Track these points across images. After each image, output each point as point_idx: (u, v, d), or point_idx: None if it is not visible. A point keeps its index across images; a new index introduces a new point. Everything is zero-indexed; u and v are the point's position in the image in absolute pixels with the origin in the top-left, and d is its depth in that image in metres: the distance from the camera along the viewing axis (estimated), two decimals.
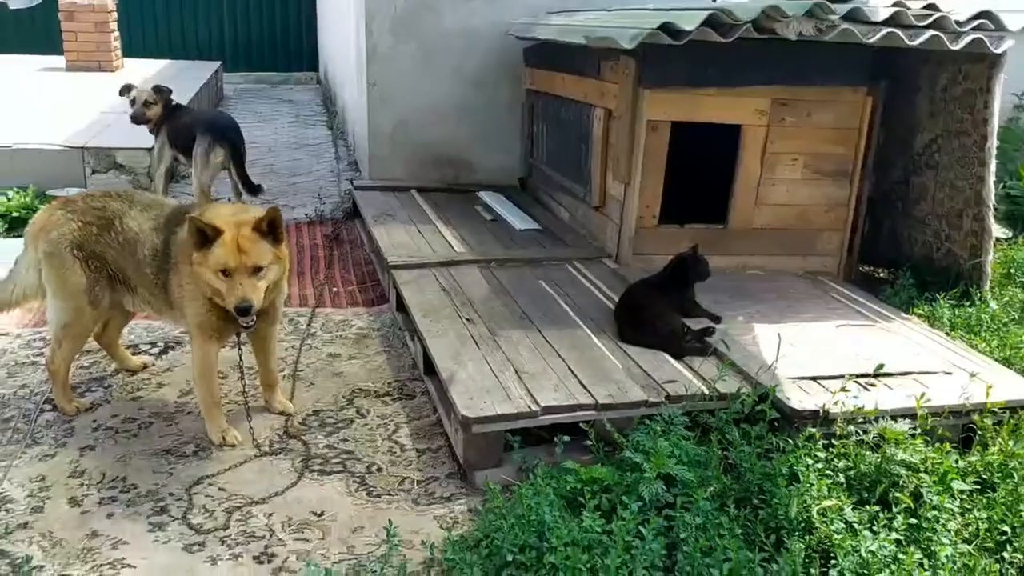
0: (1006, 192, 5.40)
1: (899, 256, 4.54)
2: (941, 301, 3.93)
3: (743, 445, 2.74)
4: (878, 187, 4.55)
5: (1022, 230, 5.12)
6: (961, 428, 3.01)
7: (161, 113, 5.27)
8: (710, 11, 3.48)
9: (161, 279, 3.00)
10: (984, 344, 3.63)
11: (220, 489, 2.77)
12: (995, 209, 5.23)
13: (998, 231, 5.08)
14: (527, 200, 5.57)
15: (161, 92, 5.29)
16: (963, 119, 4.04)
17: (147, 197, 3.27)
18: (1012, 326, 3.83)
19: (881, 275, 4.70)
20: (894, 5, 3.68)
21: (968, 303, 3.98)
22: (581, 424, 2.84)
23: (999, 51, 3.74)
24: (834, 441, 2.79)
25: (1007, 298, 4.18)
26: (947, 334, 3.70)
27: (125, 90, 5.40)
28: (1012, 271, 4.53)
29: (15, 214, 5.25)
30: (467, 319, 3.57)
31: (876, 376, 3.17)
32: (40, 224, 3.11)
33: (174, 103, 5.36)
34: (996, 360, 3.47)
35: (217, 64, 11.08)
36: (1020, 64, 5.86)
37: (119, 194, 3.19)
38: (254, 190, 5.30)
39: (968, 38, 3.67)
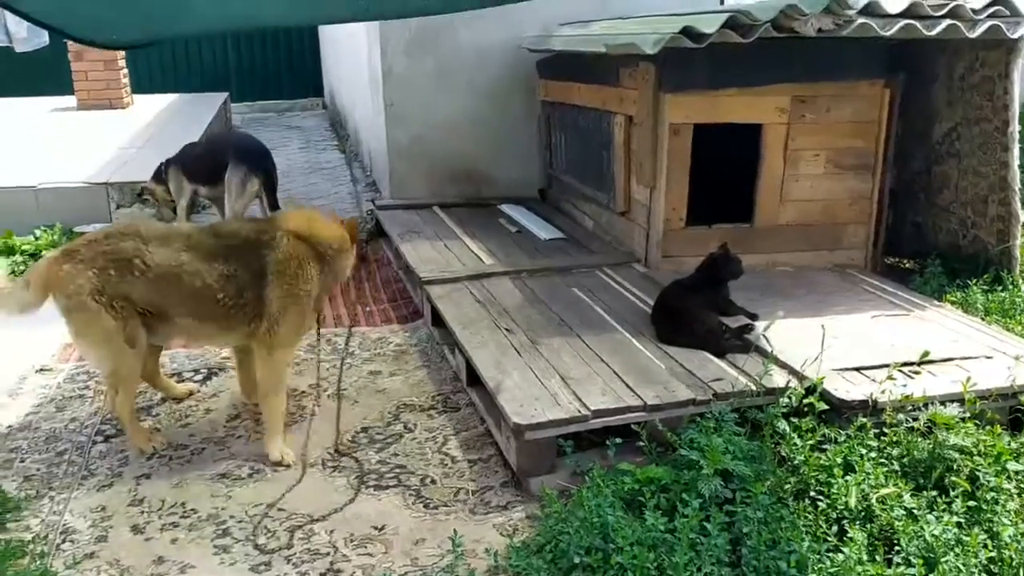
0: None
1: (925, 246, 4.56)
2: (974, 287, 3.94)
3: (795, 438, 2.76)
4: (899, 178, 4.58)
5: None
6: (1009, 410, 3.03)
7: (164, 183, 5.50)
8: (730, 13, 3.53)
9: (246, 299, 3.04)
10: (1020, 327, 3.65)
11: (280, 509, 2.80)
12: (1021, 193, 5.29)
13: None
14: (549, 210, 5.61)
15: (156, 176, 5.57)
16: (983, 106, 4.07)
17: (156, 228, 3.23)
18: None
19: (908, 266, 4.72)
20: None
21: (1000, 288, 3.99)
22: (632, 426, 2.87)
23: (1016, 36, 3.77)
24: (885, 430, 2.82)
25: None
26: (982, 319, 3.72)
27: (143, 193, 5.75)
28: None
29: (44, 252, 5.31)
30: (506, 329, 3.60)
31: (919, 364, 3.18)
32: (50, 281, 3.00)
33: (168, 158, 5.55)
34: None
35: (224, 95, 11.17)
36: None
37: (122, 232, 3.09)
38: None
39: (985, 25, 3.71)
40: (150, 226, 3.28)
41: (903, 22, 3.63)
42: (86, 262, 2.98)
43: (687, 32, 3.54)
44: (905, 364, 3.16)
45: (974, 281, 3.99)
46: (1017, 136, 3.92)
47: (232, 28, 3.17)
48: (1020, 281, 4.05)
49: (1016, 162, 3.96)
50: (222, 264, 3.04)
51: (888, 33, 3.64)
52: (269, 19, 3.82)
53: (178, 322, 3.12)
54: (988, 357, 3.28)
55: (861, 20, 3.61)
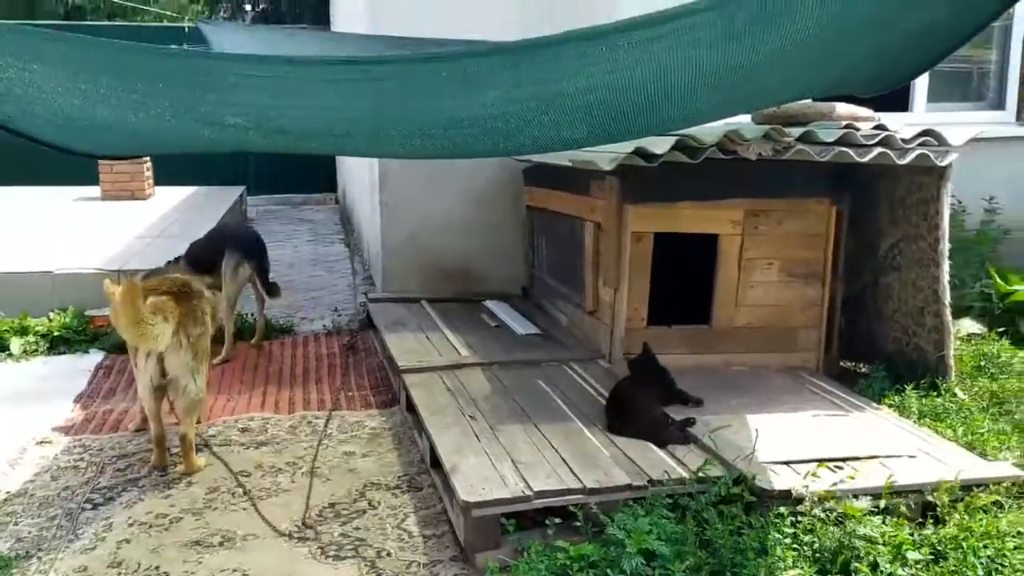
0: (980, 290, 5.74)
1: (875, 351, 4.86)
2: (908, 392, 4.22)
3: (717, 523, 3.02)
4: (851, 287, 4.92)
5: (995, 326, 5.43)
6: (922, 506, 3.27)
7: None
8: (678, 136, 3.94)
9: None
10: (950, 431, 3.91)
11: (244, 575, 3.06)
12: (970, 307, 5.61)
13: (972, 326, 5.43)
14: (530, 307, 5.96)
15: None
16: (919, 224, 4.43)
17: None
18: (978, 414, 4.11)
19: (863, 369, 5.00)
20: (845, 127, 4.14)
21: (935, 393, 4.27)
22: (570, 507, 3.14)
23: (943, 164, 4.17)
24: (800, 518, 3.07)
25: (976, 388, 4.47)
26: (915, 422, 3.99)
27: None
28: (983, 364, 4.82)
29: (56, 333, 5.70)
30: (470, 416, 3.90)
31: (845, 460, 3.45)
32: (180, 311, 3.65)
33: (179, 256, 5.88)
34: (961, 445, 3.74)
35: (241, 189, 11.77)
36: (990, 172, 6.37)
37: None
38: (273, 292, 5.72)
39: (913, 154, 4.10)
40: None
41: (837, 149, 4.03)
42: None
43: (639, 152, 3.94)
44: (830, 459, 3.43)
45: (909, 387, 4.27)
46: (947, 253, 4.26)
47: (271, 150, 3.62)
48: (956, 388, 4.33)
49: (946, 277, 4.29)
50: None
51: (824, 159, 4.04)
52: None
53: None
54: (912, 456, 3.54)
55: (799, 146, 4.02)
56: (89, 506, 3.56)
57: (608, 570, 2.78)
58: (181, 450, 3.86)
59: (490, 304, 5.98)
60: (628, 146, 3.96)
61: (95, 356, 5.57)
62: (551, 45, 2.41)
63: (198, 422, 4.04)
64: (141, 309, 3.45)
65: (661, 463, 3.42)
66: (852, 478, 3.24)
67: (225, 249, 5.37)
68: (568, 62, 2.51)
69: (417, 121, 2.98)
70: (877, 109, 4.70)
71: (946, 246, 4.26)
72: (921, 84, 6.62)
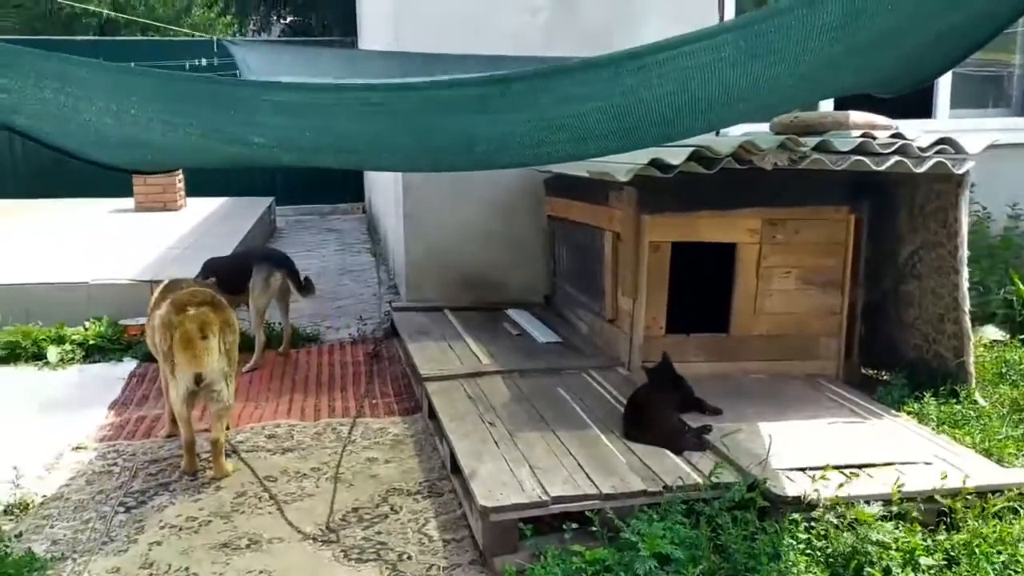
0: (1004, 297, 5.73)
1: (896, 358, 4.86)
2: (928, 399, 4.24)
3: (732, 528, 3.07)
4: (872, 294, 4.93)
5: (1018, 332, 5.41)
6: (936, 513, 3.29)
7: None
8: (694, 147, 4.00)
9: None
10: (968, 438, 3.92)
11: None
12: (994, 314, 5.59)
13: (995, 333, 5.42)
14: (551, 316, 6.03)
15: None
16: (938, 232, 4.45)
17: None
18: (997, 421, 4.11)
19: (884, 377, 5.00)
20: (862, 136, 4.17)
21: (955, 401, 4.28)
22: (587, 512, 3.20)
23: (961, 172, 4.18)
24: (814, 524, 3.11)
25: (997, 396, 4.47)
26: (933, 429, 4.00)
27: None
28: (1005, 370, 4.82)
29: (92, 342, 5.86)
30: (489, 423, 3.98)
31: (860, 466, 3.48)
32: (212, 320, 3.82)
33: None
34: (978, 452, 3.76)
35: (270, 200, 11.96)
36: (1016, 178, 6.35)
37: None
38: (307, 290, 5.85)
39: (930, 162, 4.12)
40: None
41: (853, 158, 4.06)
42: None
43: (655, 163, 4.00)
44: (845, 466, 3.46)
45: (928, 394, 4.28)
46: (966, 260, 4.28)
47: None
48: (976, 395, 4.33)
49: (966, 284, 4.30)
50: None
51: (840, 167, 4.07)
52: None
53: None
54: (928, 463, 3.56)
55: (815, 156, 4.06)
56: (122, 509, 3.68)
57: (622, 574, 2.85)
58: (212, 455, 3.98)
59: (512, 313, 6.06)
60: (644, 157, 4.03)
61: (128, 364, 5.73)
62: (584, 68, 2.48)
63: (227, 428, 4.16)
64: (199, 342, 3.75)
65: (676, 469, 3.48)
66: (857, 477, 3.27)
67: (252, 265, 5.49)
68: (599, 85, 2.58)
69: (435, 140, 3.07)
70: (899, 116, 4.73)
71: (965, 253, 4.28)
72: (944, 90, 6.60)
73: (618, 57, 2.40)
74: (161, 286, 4.43)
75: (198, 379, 3.82)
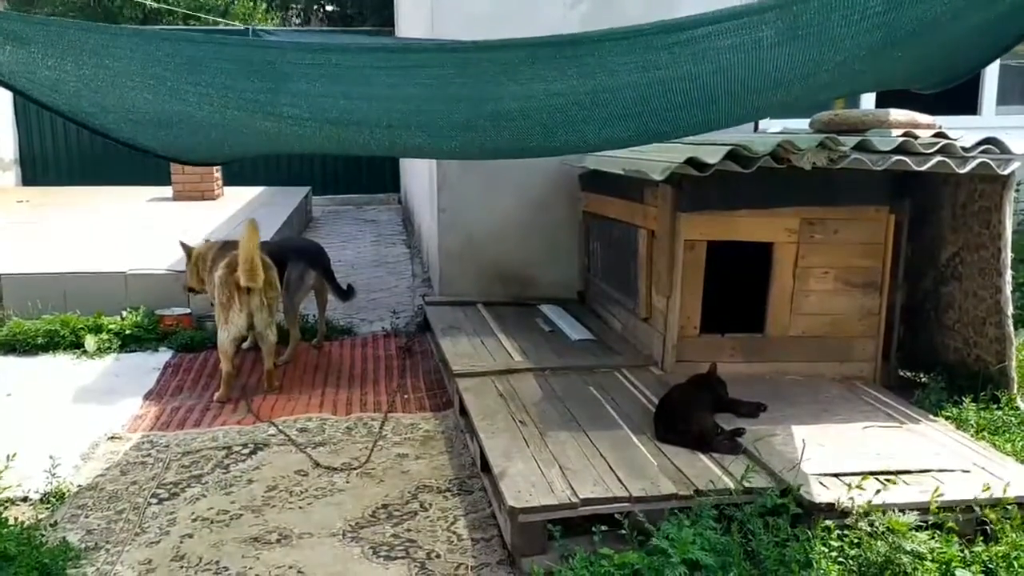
0: None
1: (935, 361, 4.77)
2: (967, 404, 4.14)
3: (763, 535, 3.03)
4: (912, 296, 4.84)
5: None
6: (975, 523, 3.22)
7: None
8: (731, 146, 3.94)
9: None
10: (1009, 445, 3.83)
11: (299, 572, 3.18)
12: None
13: None
14: (584, 312, 6.00)
15: None
16: (981, 233, 4.34)
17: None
18: None
19: (923, 379, 4.90)
20: (903, 135, 4.08)
21: (996, 406, 4.18)
22: (616, 515, 3.17)
23: (1006, 172, 4.07)
24: (847, 532, 3.05)
25: None
26: (972, 435, 3.92)
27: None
28: None
29: (128, 331, 5.94)
30: (520, 421, 3.97)
31: (895, 473, 3.42)
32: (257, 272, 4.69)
33: None
34: (1019, 460, 3.66)
35: (307, 189, 12.04)
36: None
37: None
38: (347, 295, 5.88)
39: (974, 162, 4.02)
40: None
41: (895, 157, 3.97)
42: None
43: (691, 162, 3.95)
44: (881, 472, 3.40)
45: (968, 398, 4.19)
46: (1009, 263, 4.17)
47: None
48: (1017, 400, 4.23)
49: (1009, 287, 4.19)
50: None
51: (881, 167, 3.99)
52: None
53: None
54: (966, 471, 3.48)
55: (855, 155, 3.98)
56: (155, 501, 3.73)
57: None
58: (265, 378, 5.06)
59: (545, 308, 6.03)
60: (680, 155, 3.98)
61: (164, 354, 5.80)
62: (614, 39, 2.44)
63: (259, 418, 4.20)
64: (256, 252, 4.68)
65: (708, 473, 3.44)
66: (893, 484, 3.20)
67: (288, 260, 5.54)
68: (628, 56, 2.53)
69: (464, 112, 3.03)
70: (944, 113, 4.62)
71: (1009, 255, 4.17)
72: (990, 86, 6.45)
73: (650, 30, 2.37)
74: (218, 245, 5.30)
75: (249, 324, 4.78)
